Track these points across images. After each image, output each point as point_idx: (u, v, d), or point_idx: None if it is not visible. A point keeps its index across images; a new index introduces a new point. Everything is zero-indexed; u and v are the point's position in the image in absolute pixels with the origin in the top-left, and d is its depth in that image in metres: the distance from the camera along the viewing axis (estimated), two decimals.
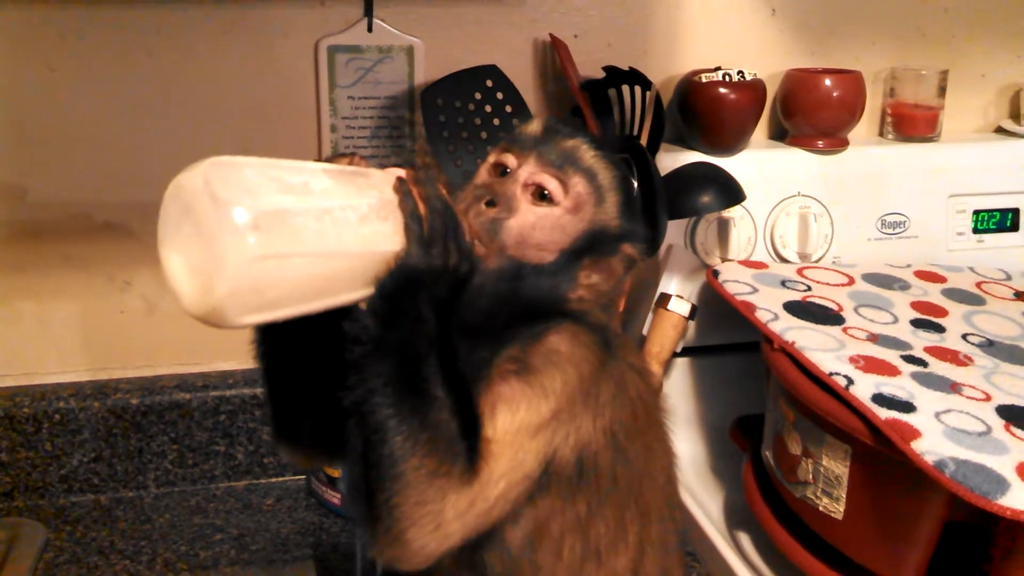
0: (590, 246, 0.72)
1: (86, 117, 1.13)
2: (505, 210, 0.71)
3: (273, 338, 0.72)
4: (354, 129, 1.19)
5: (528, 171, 0.72)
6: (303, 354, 0.72)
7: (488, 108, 1.14)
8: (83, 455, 1.16)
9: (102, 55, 1.11)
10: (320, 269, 0.61)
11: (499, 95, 1.14)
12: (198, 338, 1.20)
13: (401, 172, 0.67)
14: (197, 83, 1.14)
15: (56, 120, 1.12)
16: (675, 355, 1.18)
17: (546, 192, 0.72)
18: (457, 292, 0.67)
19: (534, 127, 0.76)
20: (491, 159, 0.75)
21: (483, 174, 0.75)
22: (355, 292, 0.63)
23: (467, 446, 0.64)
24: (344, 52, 1.16)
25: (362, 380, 0.63)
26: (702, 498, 1.12)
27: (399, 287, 0.64)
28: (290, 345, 0.72)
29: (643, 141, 1.11)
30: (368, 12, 1.16)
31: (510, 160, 0.74)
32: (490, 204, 0.71)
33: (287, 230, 0.59)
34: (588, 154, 0.74)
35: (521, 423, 0.66)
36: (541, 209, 0.71)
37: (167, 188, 0.60)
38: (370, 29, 1.16)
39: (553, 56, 1.21)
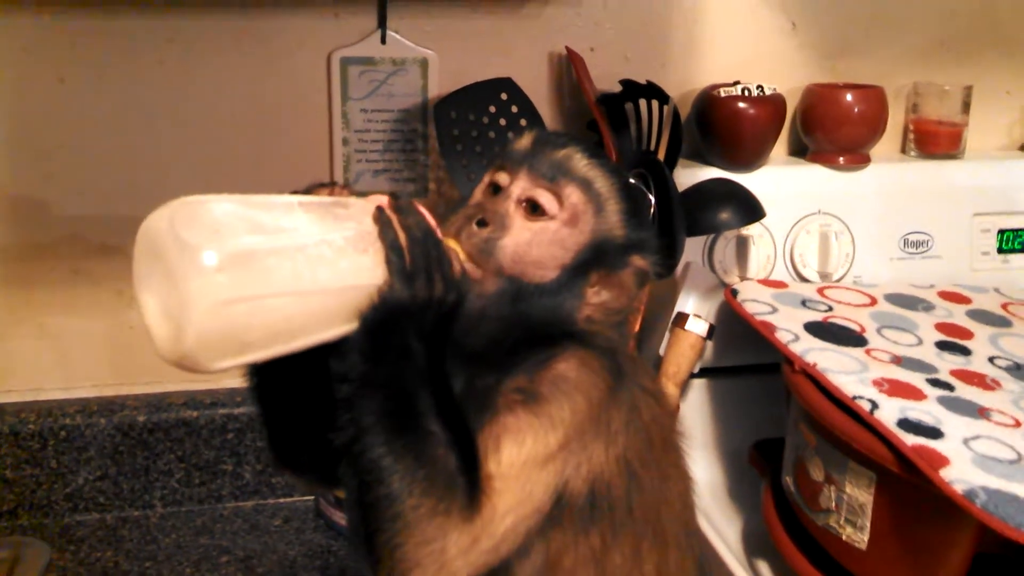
0: (595, 259, 0.69)
1: (96, 129, 1.11)
2: (498, 229, 0.68)
3: (264, 374, 0.70)
4: (366, 142, 1.17)
5: (520, 186, 0.70)
6: (295, 389, 0.69)
7: (502, 121, 1.12)
8: (89, 473, 1.14)
9: (112, 65, 1.10)
10: (296, 309, 0.59)
11: (514, 108, 1.13)
12: None
13: (383, 200, 0.64)
14: (208, 94, 1.13)
15: (65, 132, 1.11)
16: (692, 376, 1.16)
17: (539, 206, 0.69)
18: (447, 322, 0.64)
19: (524, 141, 0.73)
20: (485, 179, 0.73)
21: (477, 195, 0.73)
22: (338, 328, 0.61)
23: (467, 481, 0.62)
24: (357, 64, 1.15)
25: (353, 419, 0.61)
26: (719, 524, 1.09)
27: (383, 322, 0.61)
28: (282, 380, 0.69)
29: (660, 156, 1.08)
30: (382, 24, 1.14)
31: (502, 178, 0.71)
32: (481, 224, 0.68)
33: (257, 271, 0.57)
34: (582, 163, 0.71)
35: (528, 455, 0.63)
36: (536, 224, 0.69)
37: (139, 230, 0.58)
38: (384, 41, 1.15)
39: (569, 69, 1.19)
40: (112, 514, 1.15)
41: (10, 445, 1.12)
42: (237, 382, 1.17)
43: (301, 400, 0.70)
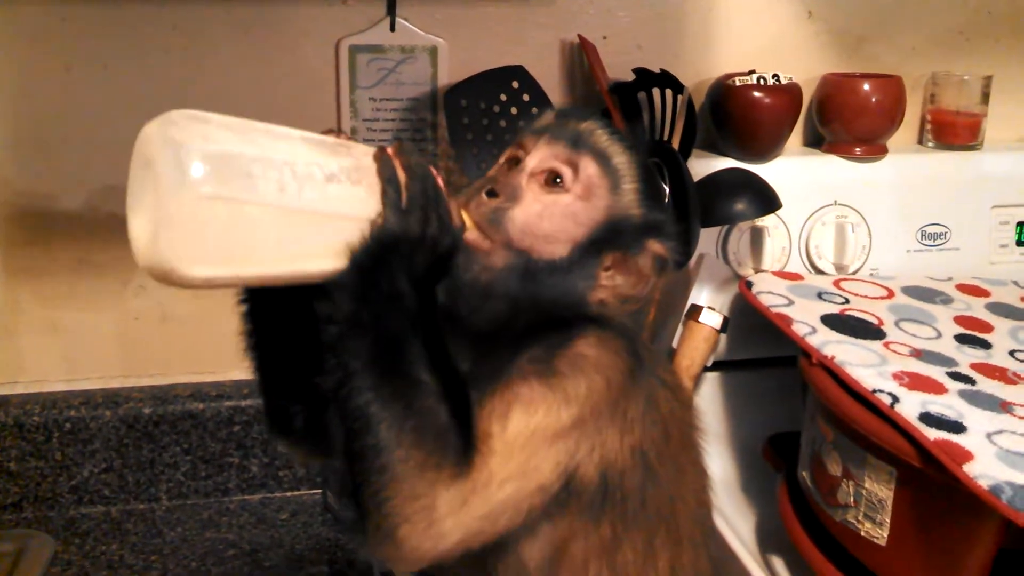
0: (609, 240, 0.67)
1: (102, 117, 1.10)
2: (509, 199, 0.66)
3: (259, 324, 0.68)
4: (375, 131, 1.16)
5: (537, 157, 0.68)
6: (289, 340, 0.67)
7: (514, 110, 1.10)
8: (94, 465, 1.13)
9: (119, 54, 1.09)
10: (279, 225, 0.56)
11: (525, 97, 1.11)
12: (213, 346, 1.17)
13: (388, 148, 0.63)
14: (215, 82, 1.11)
15: (71, 121, 1.10)
16: (706, 369, 1.14)
17: (554, 174, 0.67)
18: (439, 271, 0.62)
19: (546, 117, 0.72)
20: (504, 156, 0.71)
21: (493, 172, 0.71)
22: (325, 262, 0.58)
23: (460, 438, 0.59)
24: (366, 52, 1.13)
25: (339, 363, 0.58)
26: (733, 519, 1.07)
27: (373, 256, 0.59)
28: (277, 332, 0.67)
29: (674, 146, 1.07)
30: (391, 11, 1.13)
31: (520, 152, 0.69)
32: (492, 195, 0.66)
33: (240, 174, 0.55)
34: (602, 137, 0.69)
35: (537, 427, 0.61)
36: (549, 196, 0.67)
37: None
38: (393, 28, 1.13)
39: (581, 58, 1.18)
40: (117, 507, 1.14)
41: (15, 437, 1.10)
42: (244, 374, 1.17)
43: (294, 351, 0.67)
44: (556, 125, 0.70)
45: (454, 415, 0.60)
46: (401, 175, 0.60)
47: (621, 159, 0.69)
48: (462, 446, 0.59)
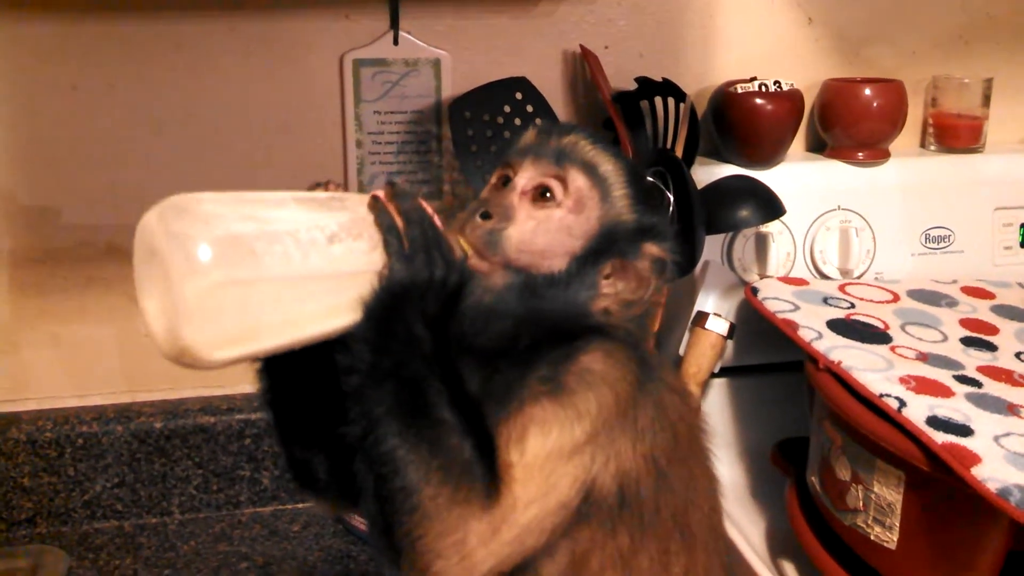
0: (606, 248, 0.68)
1: (108, 135, 1.11)
2: (502, 219, 0.67)
3: (276, 380, 0.68)
4: (380, 144, 1.16)
5: (525, 176, 0.69)
6: (307, 395, 0.68)
7: (517, 121, 1.11)
8: (106, 480, 1.13)
9: (124, 72, 1.10)
10: (290, 295, 0.58)
11: (529, 108, 1.11)
12: None
13: (379, 192, 0.63)
14: (220, 99, 1.12)
15: (78, 139, 1.10)
16: (713, 376, 1.14)
17: (544, 191, 0.68)
18: (450, 306, 0.63)
19: (528, 135, 0.72)
20: (493, 178, 0.72)
21: (484, 193, 0.72)
22: (339, 320, 0.59)
23: (485, 469, 0.60)
24: (370, 66, 1.14)
25: (363, 412, 0.60)
26: (743, 525, 1.08)
27: (385, 307, 0.60)
28: (294, 386, 0.68)
29: (678, 154, 1.07)
30: (394, 25, 1.13)
31: (508, 172, 0.70)
32: (485, 216, 0.67)
33: (246, 255, 0.56)
34: (586, 148, 0.70)
35: (553, 446, 0.62)
36: (541, 212, 0.67)
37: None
38: (396, 42, 1.14)
39: (583, 68, 1.18)
40: (130, 521, 1.15)
41: (27, 453, 1.11)
42: (254, 387, 1.18)
43: (313, 406, 0.68)
44: (539, 142, 0.70)
45: (476, 446, 0.61)
46: (398, 221, 0.61)
47: (608, 167, 0.69)
48: (486, 477, 0.60)
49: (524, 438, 0.62)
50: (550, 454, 0.62)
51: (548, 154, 0.69)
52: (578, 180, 0.68)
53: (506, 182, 0.70)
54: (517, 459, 0.61)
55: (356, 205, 0.62)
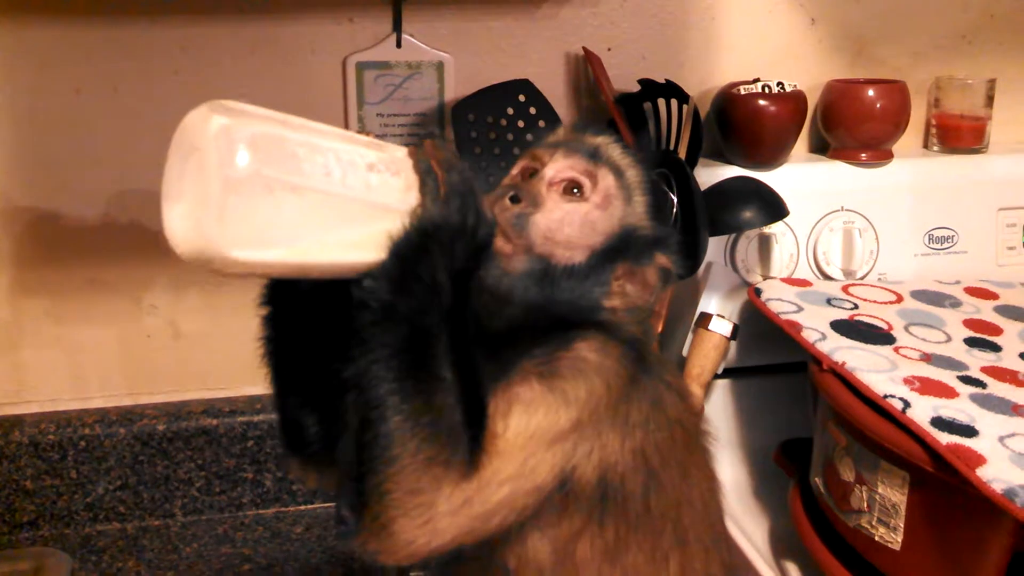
0: (621, 250, 0.69)
1: (112, 139, 1.11)
2: (531, 205, 0.68)
3: (279, 327, 0.68)
4: None
5: (556, 167, 0.70)
6: (308, 347, 0.68)
7: (521, 123, 1.11)
8: (109, 483, 1.13)
9: (128, 76, 1.10)
10: (322, 210, 0.57)
11: (532, 110, 1.11)
12: (225, 363, 1.18)
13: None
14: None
15: (81, 141, 1.11)
16: (716, 377, 1.14)
17: (576, 186, 0.69)
18: (475, 264, 0.63)
19: (560, 131, 0.74)
20: (517, 168, 0.73)
21: (508, 181, 0.72)
22: (363, 252, 0.59)
23: (471, 438, 0.60)
24: (373, 68, 1.14)
25: (366, 350, 0.59)
26: (746, 526, 1.08)
27: (414, 247, 0.59)
28: (296, 338, 0.68)
29: (681, 156, 1.07)
30: (397, 28, 1.13)
31: (537, 162, 0.71)
32: (515, 200, 0.68)
33: (288, 157, 0.55)
34: (616, 151, 0.72)
35: (536, 428, 0.62)
36: (569, 204, 0.69)
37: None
38: (399, 45, 1.14)
39: (586, 70, 1.18)
40: (133, 524, 1.15)
41: (30, 456, 1.11)
42: (257, 390, 1.18)
43: (311, 355, 0.68)
44: (572, 138, 0.72)
45: (468, 413, 0.60)
46: (436, 168, 0.61)
47: (633, 173, 0.72)
48: (471, 445, 0.60)
49: (509, 413, 0.62)
50: (532, 435, 0.62)
51: (582, 150, 0.70)
52: (608, 179, 0.70)
53: (532, 174, 0.71)
54: (500, 431, 0.61)
55: (394, 150, 0.62)
